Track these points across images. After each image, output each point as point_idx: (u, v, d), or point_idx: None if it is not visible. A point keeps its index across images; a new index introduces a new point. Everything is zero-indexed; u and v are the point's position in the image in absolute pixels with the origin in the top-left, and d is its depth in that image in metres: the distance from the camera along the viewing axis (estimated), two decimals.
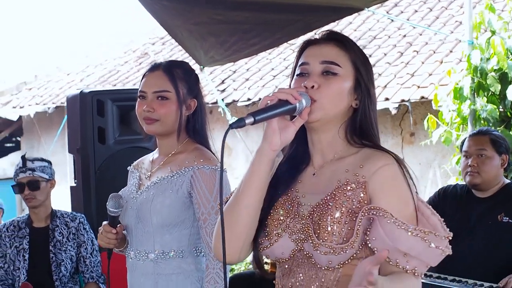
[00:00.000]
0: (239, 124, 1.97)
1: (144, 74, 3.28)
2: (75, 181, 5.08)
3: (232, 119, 7.97)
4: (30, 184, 4.80)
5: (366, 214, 2.04)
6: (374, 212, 2.03)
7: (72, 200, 5.13)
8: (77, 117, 4.99)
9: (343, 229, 2.06)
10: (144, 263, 3.19)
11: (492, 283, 3.95)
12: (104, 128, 4.92)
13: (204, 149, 3.22)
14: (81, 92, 5.03)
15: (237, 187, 2.18)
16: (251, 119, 1.98)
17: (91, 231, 4.81)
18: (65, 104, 13.23)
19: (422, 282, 4.16)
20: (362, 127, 2.20)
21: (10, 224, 4.87)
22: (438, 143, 7.12)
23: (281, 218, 2.18)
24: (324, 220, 2.08)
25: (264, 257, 2.25)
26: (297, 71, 2.23)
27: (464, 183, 4.45)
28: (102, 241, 3.24)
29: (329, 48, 2.21)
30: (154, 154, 3.36)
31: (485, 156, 4.34)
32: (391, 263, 2.03)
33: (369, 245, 2.05)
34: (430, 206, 2.15)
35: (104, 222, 3.25)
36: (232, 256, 2.17)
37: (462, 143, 4.55)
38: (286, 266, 2.20)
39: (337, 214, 2.07)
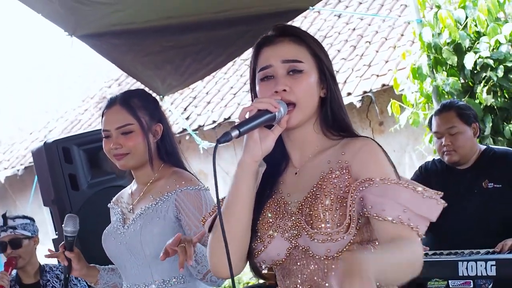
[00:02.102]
0: (226, 138, 1.95)
1: (103, 112, 3.24)
2: (56, 233, 5.01)
3: (202, 144, 7.94)
4: (12, 242, 4.72)
5: (356, 191, 2.03)
6: (362, 187, 2.02)
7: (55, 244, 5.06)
8: (46, 168, 4.91)
9: (335, 215, 2.05)
10: None
11: (488, 249, 3.97)
12: (75, 174, 4.85)
13: (182, 171, 3.19)
14: (45, 143, 4.97)
15: (224, 202, 2.15)
16: (236, 132, 1.97)
17: (82, 279, 4.75)
18: (33, 164, 13.22)
19: None
20: (334, 116, 2.19)
21: None
22: (408, 127, 7.15)
23: (270, 220, 2.16)
24: (315, 209, 2.07)
25: (261, 263, 2.21)
26: (260, 76, 2.19)
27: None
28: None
29: (286, 45, 2.18)
30: (132, 186, 3.32)
31: (457, 132, 4.33)
32: (394, 221, 1.99)
33: (370, 216, 2.02)
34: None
35: (61, 244, 3.23)
36: (223, 270, 2.12)
37: (430, 122, 4.53)
38: (284, 267, 2.18)
39: (327, 202, 2.06)
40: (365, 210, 2.03)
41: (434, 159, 4.59)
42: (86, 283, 4.69)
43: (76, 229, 3.19)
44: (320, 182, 2.10)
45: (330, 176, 2.10)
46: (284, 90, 2.12)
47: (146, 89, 5.91)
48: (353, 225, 2.03)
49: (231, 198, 2.12)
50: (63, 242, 3.24)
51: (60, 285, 4.72)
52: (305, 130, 2.19)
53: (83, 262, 3.26)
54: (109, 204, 3.41)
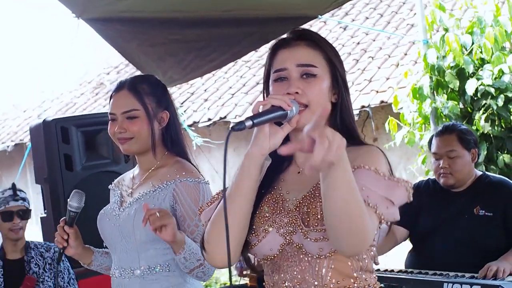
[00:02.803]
0: (240, 126, 1.96)
1: (111, 94, 3.25)
2: (45, 211, 4.99)
3: (195, 139, 7.93)
4: (19, 213, 4.68)
5: None
6: None
7: (44, 231, 5.02)
8: (42, 146, 4.91)
9: (323, 212, 2.05)
10: (130, 280, 3.13)
11: (473, 273, 3.97)
12: (71, 155, 4.85)
13: (185, 161, 3.19)
14: (44, 120, 4.95)
15: (228, 191, 2.15)
16: (250, 122, 1.98)
17: (66, 260, 4.72)
18: (24, 141, 13.21)
19: (403, 278, 4.19)
20: (343, 122, 2.23)
21: None
22: (401, 146, 7.15)
23: (267, 215, 2.20)
24: (313, 207, 2.11)
25: (252, 257, 2.24)
26: (274, 77, 2.23)
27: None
28: (57, 239, 3.21)
29: (301, 49, 2.22)
30: (135, 171, 3.32)
31: (456, 156, 4.33)
32: None
33: None
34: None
35: (62, 219, 3.23)
36: (225, 260, 2.12)
37: (430, 142, 4.53)
38: (274, 262, 2.20)
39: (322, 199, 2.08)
40: None
41: (429, 178, 4.59)
42: (71, 264, 4.66)
43: (81, 206, 3.20)
44: (320, 182, 2.09)
45: None
46: (297, 93, 2.15)
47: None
48: None
49: (234, 188, 2.14)
50: (64, 218, 3.23)
51: (43, 263, 4.68)
52: None
53: (80, 241, 3.25)
54: (110, 185, 3.41)
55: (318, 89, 2.17)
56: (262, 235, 2.18)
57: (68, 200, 3.21)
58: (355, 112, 8.87)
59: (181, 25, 5.18)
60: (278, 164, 2.27)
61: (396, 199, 2.08)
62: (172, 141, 3.22)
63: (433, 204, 4.37)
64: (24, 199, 4.72)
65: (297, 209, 2.15)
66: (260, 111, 2.05)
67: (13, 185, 4.75)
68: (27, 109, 15.44)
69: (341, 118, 2.23)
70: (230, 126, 2.00)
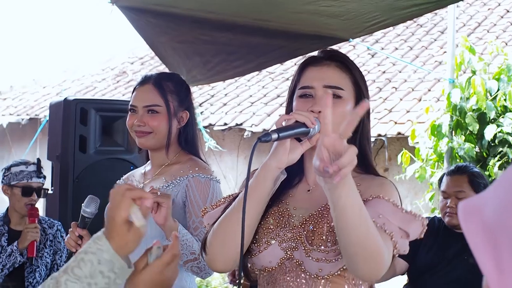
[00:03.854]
0: (266, 138, 1.97)
1: (135, 87, 3.27)
2: (52, 188, 5.01)
3: (209, 142, 7.94)
4: (38, 191, 4.69)
5: None
6: None
7: (47, 207, 5.04)
8: (59, 124, 4.93)
9: (337, 238, 2.06)
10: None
11: None
12: (86, 137, 4.86)
13: (198, 159, 3.21)
14: (65, 99, 4.97)
15: (237, 199, 2.17)
16: (276, 135, 1.99)
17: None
18: (39, 116, 13.25)
19: None
20: (360, 149, 2.19)
21: None
22: (411, 180, 7.14)
23: (271, 227, 2.21)
24: (320, 227, 2.12)
25: (250, 266, 2.24)
26: (300, 93, 2.24)
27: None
28: (68, 242, 3.19)
29: (331, 70, 2.23)
30: (146, 167, 3.33)
31: (464, 197, 4.29)
32: None
33: None
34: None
35: (74, 222, 3.21)
36: (227, 264, 2.16)
37: (440, 180, 4.52)
38: (271, 275, 2.20)
39: (333, 223, 2.06)
40: None
41: (435, 216, 4.58)
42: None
43: (95, 212, 3.18)
44: (328, 204, 2.11)
45: None
46: (320, 112, 2.13)
47: None
48: None
49: (248, 195, 2.12)
50: (75, 222, 3.21)
51: (45, 239, 4.67)
52: None
53: None
54: (118, 180, 3.41)
55: (342, 110, 2.17)
56: (264, 246, 2.18)
57: (83, 205, 3.19)
58: (371, 139, 8.87)
59: (213, 27, 5.18)
60: (289, 179, 2.26)
61: (411, 232, 2.09)
62: (187, 140, 3.23)
63: (435, 242, 4.36)
64: (44, 177, 4.74)
65: (302, 225, 2.16)
66: (284, 125, 2.06)
67: (38, 161, 4.75)
68: (47, 86, 15.48)
69: (359, 143, 2.22)
70: (258, 136, 2.00)
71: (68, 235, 3.22)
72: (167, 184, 3.13)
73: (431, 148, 6.63)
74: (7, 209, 4.79)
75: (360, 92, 2.24)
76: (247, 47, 5.42)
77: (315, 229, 2.12)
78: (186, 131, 3.23)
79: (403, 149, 7.09)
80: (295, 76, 2.29)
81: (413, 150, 6.90)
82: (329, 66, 2.24)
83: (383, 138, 8.93)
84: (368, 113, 2.27)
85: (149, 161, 3.32)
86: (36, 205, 4.72)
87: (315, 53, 2.34)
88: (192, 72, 5.81)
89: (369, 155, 2.28)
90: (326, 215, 2.13)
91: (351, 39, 5.63)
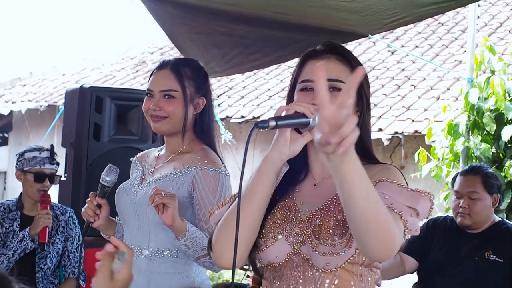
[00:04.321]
0: (263, 124, 1.97)
1: (152, 71, 3.26)
2: (65, 175, 5.02)
3: (225, 134, 7.93)
4: (51, 177, 4.69)
5: None
6: None
7: (60, 194, 5.05)
8: (75, 111, 4.94)
9: (343, 231, 2.08)
10: (137, 259, 3.10)
11: None
12: (101, 125, 4.88)
13: (210, 150, 3.18)
14: (81, 86, 4.99)
15: (242, 193, 2.13)
16: (274, 123, 1.98)
17: (79, 226, 4.74)
18: (57, 104, 13.28)
19: None
20: (362, 141, 2.20)
21: None
22: (427, 179, 7.10)
23: (278, 221, 2.20)
24: (327, 221, 2.12)
25: (257, 261, 2.23)
26: (300, 86, 2.23)
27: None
28: (86, 212, 3.20)
29: (332, 63, 2.23)
30: (161, 150, 3.32)
31: (477, 198, 4.29)
32: None
33: None
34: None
35: (92, 193, 3.22)
36: (231, 261, 2.09)
37: (454, 179, 4.49)
38: (278, 270, 2.20)
39: (339, 217, 2.10)
40: None
41: (447, 216, 4.55)
42: (81, 230, 4.66)
43: (114, 181, 3.20)
44: (335, 197, 2.14)
45: None
46: None
47: None
48: (353, 239, 2.05)
49: (249, 191, 2.13)
50: (93, 192, 3.22)
51: (57, 225, 4.67)
52: None
53: (108, 211, 3.24)
54: (132, 158, 3.41)
55: None
56: (271, 241, 2.17)
57: (102, 174, 3.20)
58: (387, 137, 8.84)
59: (231, 19, 5.17)
60: (295, 175, 2.27)
61: (421, 210, 2.07)
62: (202, 129, 3.21)
63: (446, 241, 4.34)
64: (58, 164, 4.74)
65: (309, 220, 2.15)
66: (283, 115, 2.05)
67: (52, 147, 4.75)
68: (66, 73, 15.53)
69: (360, 136, 2.20)
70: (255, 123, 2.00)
71: (86, 205, 3.22)
72: (175, 172, 3.12)
73: (447, 147, 6.59)
74: (20, 194, 4.81)
75: (361, 86, 2.21)
76: (265, 40, 5.41)
77: (321, 223, 2.12)
78: (202, 118, 3.20)
79: (420, 147, 7.06)
80: (296, 70, 2.29)
81: (430, 149, 6.87)
82: (329, 59, 2.23)
83: (400, 136, 8.89)
84: (368, 106, 2.26)
85: (164, 145, 3.31)
86: (49, 192, 4.72)
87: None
88: (210, 64, 5.81)
89: (371, 146, 2.27)
90: (333, 209, 2.13)
91: (370, 35, 5.61)
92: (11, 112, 14.43)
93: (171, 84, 3.16)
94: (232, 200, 2.28)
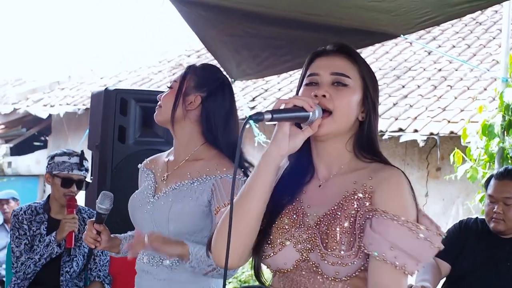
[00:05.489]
0: (257, 117, 1.96)
1: None
2: (91, 177, 5.03)
3: (259, 137, 7.92)
4: (79, 183, 4.71)
5: (362, 218, 2.04)
6: (368, 215, 2.03)
7: (86, 196, 5.06)
8: (100, 114, 4.95)
9: (351, 239, 2.05)
10: (158, 268, 3.10)
11: None
12: (125, 127, 4.88)
13: (224, 156, 3.12)
14: (106, 89, 5.01)
15: (241, 190, 2.14)
16: (269, 116, 1.97)
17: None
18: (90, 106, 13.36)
19: None
20: (369, 141, 2.19)
21: (27, 208, 4.74)
22: (463, 180, 7.03)
23: (286, 227, 2.15)
24: (333, 229, 2.06)
25: (265, 266, 2.20)
26: (306, 81, 2.21)
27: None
28: (87, 239, 3.19)
29: (339, 60, 2.20)
30: (170, 156, 3.27)
31: None
32: (377, 258, 1.99)
33: (365, 251, 2.02)
34: (432, 219, 2.10)
35: (90, 220, 3.22)
36: (232, 261, 2.09)
37: (487, 182, 4.36)
38: (287, 276, 2.15)
39: (346, 224, 2.06)
40: (363, 244, 2.03)
41: (477, 217, 4.43)
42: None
43: (110, 208, 3.20)
44: (342, 202, 2.10)
45: (352, 197, 2.09)
46: (324, 96, 2.13)
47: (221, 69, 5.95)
48: (362, 249, 2.02)
49: (247, 188, 2.10)
50: (92, 220, 3.23)
51: (84, 229, 4.69)
52: (337, 145, 2.18)
53: (109, 236, 3.23)
54: (139, 165, 3.38)
55: (347, 99, 2.15)
56: (279, 247, 2.13)
57: (97, 202, 3.20)
58: (423, 138, 8.76)
59: (261, 21, 5.17)
60: (301, 176, 2.23)
61: (425, 260, 2.02)
62: (212, 134, 3.14)
63: (478, 245, 4.22)
64: (86, 170, 4.74)
65: (317, 226, 2.10)
66: (281, 108, 2.04)
67: (82, 153, 4.76)
68: (104, 77, 15.65)
69: (367, 137, 2.19)
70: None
71: (85, 232, 3.22)
72: (192, 181, 3.07)
73: (482, 148, 6.52)
74: (48, 196, 4.84)
75: (367, 86, 2.19)
76: (296, 41, 5.40)
77: (328, 231, 2.07)
78: (209, 121, 3.13)
79: (456, 148, 6.98)
80: (304, 67, 2.26)
81: (465, 150, 6.79)
82: (337, 56, 2.21)
83: (436, 137, 8.81)
84: (375, 108, 2.21)
85: (171, 149, 3.28)
86: (76, 195, 4.74)
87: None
88: (241, 66, 5.82)
89: (378, 148, 2.21)
90: (339, 216, 2.07)
91: (402, 35, 5.57)
92: (50, 115, 14.56)
93: (176, 78, 3.20)
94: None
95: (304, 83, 2.22)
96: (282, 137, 2.05)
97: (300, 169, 2.21)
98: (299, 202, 2.19)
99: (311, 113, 2.04)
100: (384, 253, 1.98)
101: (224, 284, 2.03)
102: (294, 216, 2.16)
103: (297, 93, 2.25)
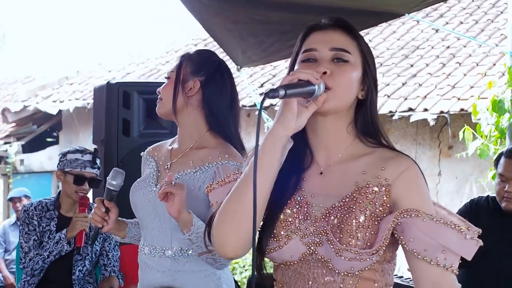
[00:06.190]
0: (274, 94, 1.83)
1: None
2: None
3: (268, 123, 7.89)
4: (91, 181, 4.70)
5: (399, 219, 1.95)
6: (406, 215, 1.94)
7: (94, 191, 5.06)
8: (103, 108, 4.94)
9: (366, 234, 1.96)
10: (160, 259, 3.08)
11: None
12: (129, 120, 4.86)
13: (228, 145, 3.09)
14: (108, 82, 4.99)
15: (245, 172, 2.00)
16: (283, 92, 1.85)
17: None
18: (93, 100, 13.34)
19: None
20: (372, 120, 2.09)
21: (38, 204, 4.75)
22: (475, 157, 6.98)
23: (289, 219, 2.03)
24: (349, 224, 1.96)
25: (269, 260, 2.09)
26: (303, 57, 2.08)
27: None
28: (94, 218, 3.17)
29: (337, 34, 2.08)
30: (173, 143, 3.24)
31: None
32: (432, 263, 1.94)
33: (407, 248, 1.97)
34: (446, 207, 2.07)
35: (98, 198, 3.19)
36: (237, 247, 1.98)
37: (497, 160, 4.29)
38: (293, 269, 2.06)
39: (362, 218, 1.96)
40: (402, 238, 1.97)
41: (488, 196, 4.36)
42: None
43: (121, 185, 3.18)
44: (355, 194, 1.99)
45: (366, 191, 1.99)
46: (325, 73, 2.01)
47: (226, 59, 5.92)
48: (384, 246, 1.95)
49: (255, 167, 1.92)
50: (100, 197, 3.21)
51: (94, 227, 4.69)
52: (337, 126, 2.08)
53: (117, 214, 3.20)
54: (142, 153, 3.35)
55: (348, 75, 2.03)
56: (284, 241, 2.01)
57: (108, 178, 3.18)
58: (433, 117, 8.71)
59: (266, 6, 5.14)
60: (300, 162, 2.10)
61: (471, 256, 1.98)
62: (217, 121, 3.10)
63: (489, 224, 4.11)
64: (99, 168, 4.73)
65: (325, 218, 1.99)
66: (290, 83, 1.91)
67: (95, 151, 4.75)
68: (112, 70, 15.64)
69: (370, 115, 2.09)
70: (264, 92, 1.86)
71: (92, 211, 3.19)
72: (195, 169, 3.04)
73: (493, 124, 6.46)
74: (59, 193, 4.83)
75: (367, 62, 2.09)
76: (302, 25, 5.32)
77: (342, 225, 1.96)
78: (211, 108, 3.10)
79: (466, 125, 6.93)
80: (297, 43, 2.13)
81: (476, 126, 6.74)
82: (335, 30, 2.09)
83: (446, 115, 8.76)
84: (375, 86, 2.11)
85: (175, 137, 3.25)
86: (88, 193, 4.72)
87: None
88: (247, 53, 5.79)
89: (380, 126, 2.10)
90: (354, 210, 1.97)
91: (407, 14, 5.53)
92: (60, 111, 14.57)
93: (172, 68, 3.16)
94: (235, 179, 2.14)
95: (300, 59, 2.08)
96: (290, 115, 1.92)
97: (297, 155, 2.08)
98: (300, 191, 2.07)
99: (316, 87, 1.93)
100: (438, 258, 1.94)
101: (253, 267, 1.93)
102: (297, 206, 2.04)
103: (290, 69, 2.12)
